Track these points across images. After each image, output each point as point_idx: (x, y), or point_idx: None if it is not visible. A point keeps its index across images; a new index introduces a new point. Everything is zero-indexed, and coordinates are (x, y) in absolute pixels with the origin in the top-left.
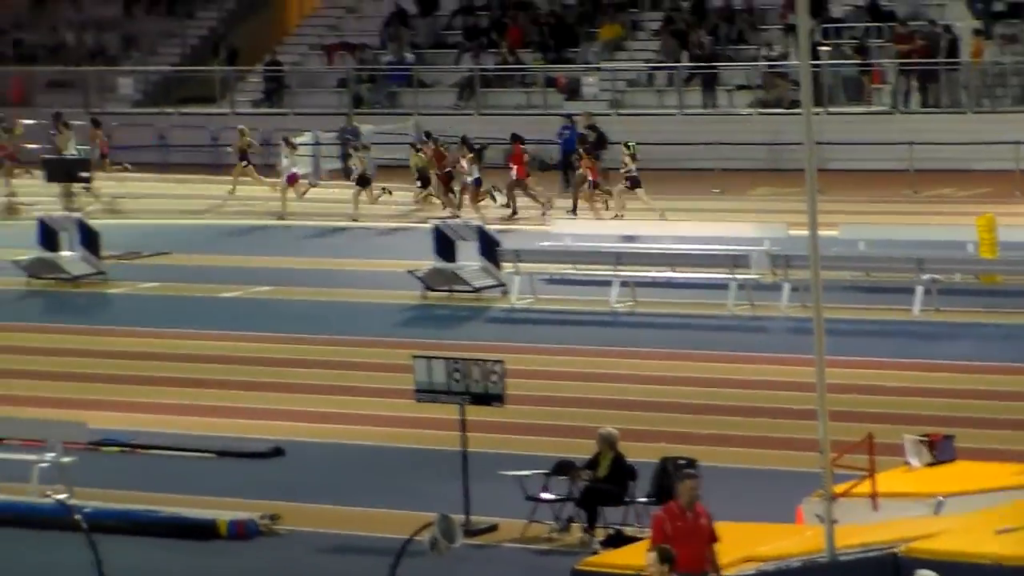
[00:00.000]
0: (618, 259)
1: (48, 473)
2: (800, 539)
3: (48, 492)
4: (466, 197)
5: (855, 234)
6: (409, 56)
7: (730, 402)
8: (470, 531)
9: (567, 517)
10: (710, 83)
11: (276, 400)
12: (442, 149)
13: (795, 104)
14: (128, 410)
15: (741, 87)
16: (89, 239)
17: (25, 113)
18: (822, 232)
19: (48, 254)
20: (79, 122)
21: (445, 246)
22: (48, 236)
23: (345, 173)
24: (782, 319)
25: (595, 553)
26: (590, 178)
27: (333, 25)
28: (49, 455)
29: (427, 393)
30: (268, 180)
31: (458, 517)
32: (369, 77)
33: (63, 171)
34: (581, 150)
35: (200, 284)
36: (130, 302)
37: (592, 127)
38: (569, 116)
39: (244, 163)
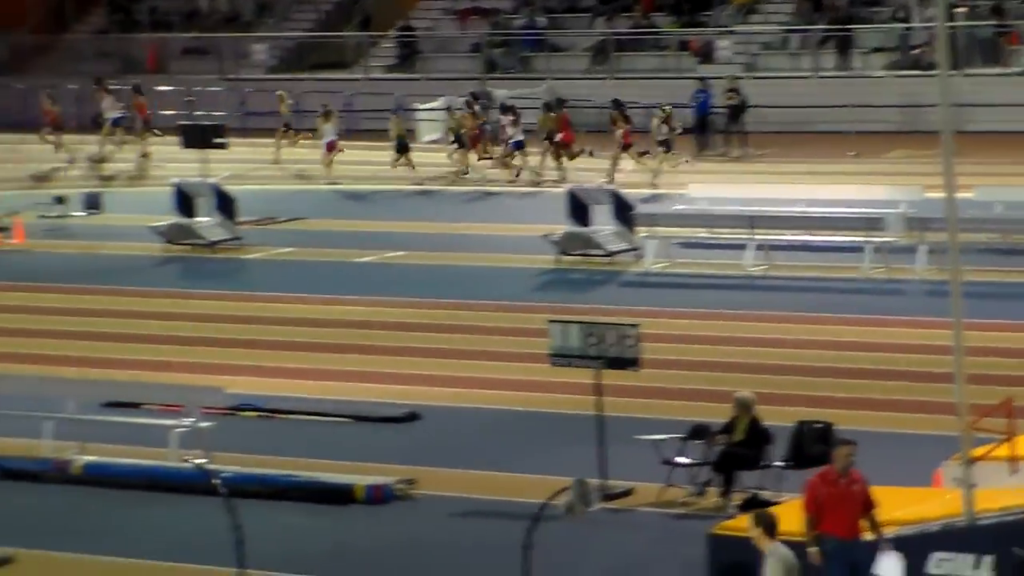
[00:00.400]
0: (752, 223)
1: (186, 438)
2: (938, 503)
3: (187, 457)
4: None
5: (992, 196)
6: (542, 20)
7: (866, 365)
8: (606, 495)
9: (703, 481)
10: (845, 45)
11: (411, 365)
12: (477, 112)
13: (931, 66)
14: (265, 375)
15: (876, 49)
16: (225, 204)
17: (160, 80)
18: (958, 194)
19: (185, 220)
20: (215, 88)
21: (579, 210)
22: (184, 202)
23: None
24: (918, 282)
25: (731, 517)
26: (623, 141)
27: None
28: (187, 420)
29: (562, 357)
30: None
31: (594, 481)
32: (502, 42)
33: (199, 137)
34: (615, 113)
35: (334, 249)
36: (266, 267)
37: (734, 90)
38: (703, 79)
39: (285, 128)
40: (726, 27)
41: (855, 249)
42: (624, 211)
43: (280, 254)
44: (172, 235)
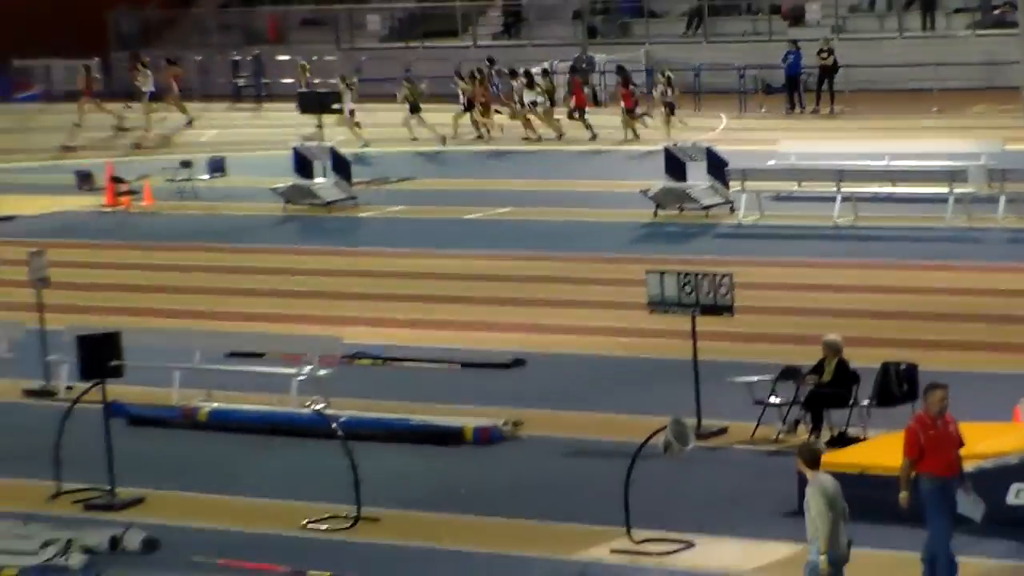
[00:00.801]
0: (840, 176)
1: (306, 385)
2: (1017, 436)
3: (306, 403)
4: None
5: None
6: None
7: (949, 309)
8: (701, 434)
9: (794, 420)
10: (929, 6)
11: (517, 314)
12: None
13: (1012, 24)
14: (379, 325)
15: (959, 10)
16: (341, 166)
17: (280, 50)
18: None
19: (303, 181)
20: (331, 57)
21: (675, 166)
22: (302, 164)
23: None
24: (998, 230)
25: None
26: (623, 105)
27: None
28: (306, 368)
29: (659, 305)
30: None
31: (690, 421)
32: (603, 8)
33: (316, 103)
34: (620, 80)
35: (443, 207)
36: (379, 225)
37: (828, 51)
38: (794, 42)
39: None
40: None
41: (938, 200)
42: (718, 167)
43: (393, 212)
44: (291, 196)
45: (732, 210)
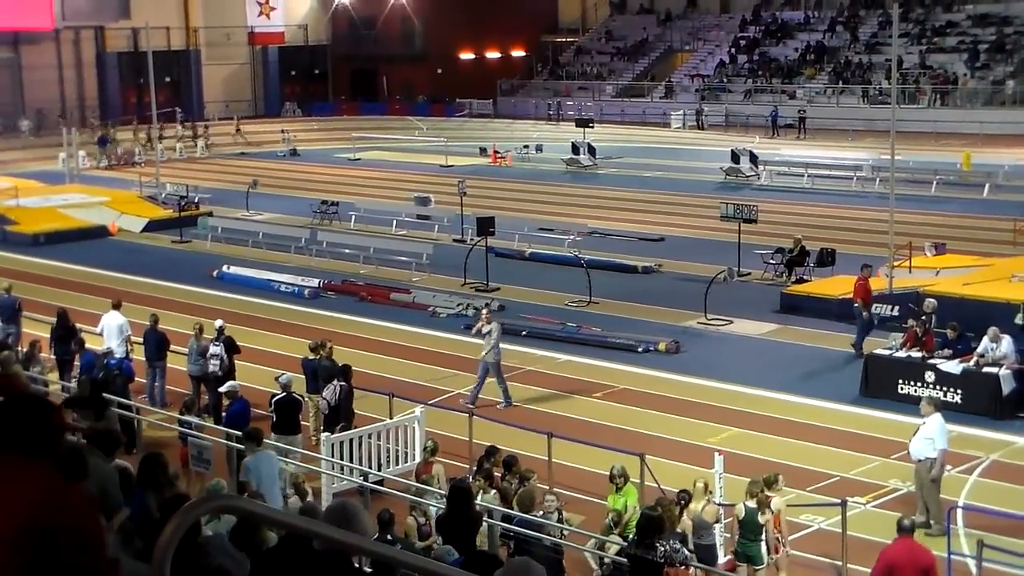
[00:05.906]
0: (806, 166)
1: (572, 243)
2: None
3: (572, 252)
4: None
5: None
6: None
7: (845, 225)
8: (740, 274)
9: (779, 272)
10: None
11: (662, 218)
12: None
13: None
14: (601, 219)
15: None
16: (591, 150)
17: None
18: None
19: (574, 156)
20: (590, 103)
21: (735, 159)
22: (576, 149)
23: None
24: (874, 195)
25: None
26: None
27: None
28: (573, 236)
29: (725, 218)
30: None
31: (734, 268)
32: None
33: (586, 124)
34: None
35: (628, 171)
36: (605, 177)
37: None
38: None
39: None
40: None
41: (848, 178)
42: (753, 158)
43: (610, 172)
44: (569, 162)
45: (758, 177)
